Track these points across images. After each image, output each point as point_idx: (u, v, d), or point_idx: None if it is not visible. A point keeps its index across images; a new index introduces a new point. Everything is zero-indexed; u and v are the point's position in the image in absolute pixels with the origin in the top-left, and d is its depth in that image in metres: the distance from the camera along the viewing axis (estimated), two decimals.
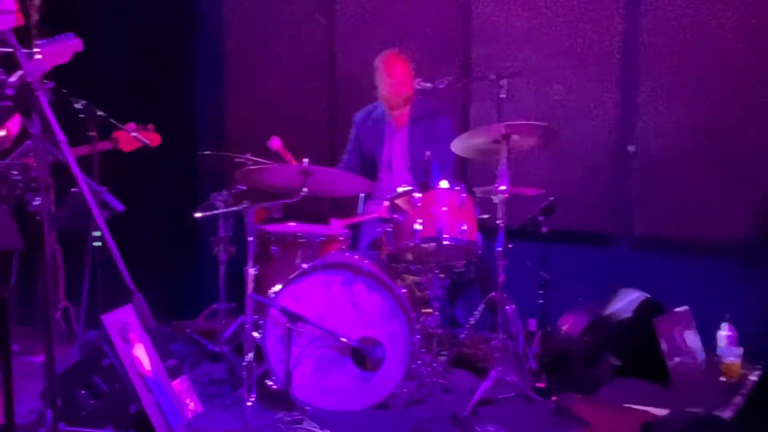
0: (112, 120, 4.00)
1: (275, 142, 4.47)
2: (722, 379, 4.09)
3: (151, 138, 4.28)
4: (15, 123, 2.99)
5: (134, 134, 4.16)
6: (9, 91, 2.00)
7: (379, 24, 5.19)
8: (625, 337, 4.12)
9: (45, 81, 2.18)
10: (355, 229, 4.52)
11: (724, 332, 4.21)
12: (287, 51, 5.42)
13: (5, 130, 2.84)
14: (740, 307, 4.31)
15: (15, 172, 2.30)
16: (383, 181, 4.59)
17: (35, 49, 2.61)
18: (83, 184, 2.09)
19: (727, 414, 3.33)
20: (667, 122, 4.62)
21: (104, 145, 4.12)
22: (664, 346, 4.03)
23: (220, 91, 5.62)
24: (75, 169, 2.11)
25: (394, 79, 4.52)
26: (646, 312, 4.13)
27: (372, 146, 4.65)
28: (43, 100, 2.06)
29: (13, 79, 2.01)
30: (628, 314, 4.16)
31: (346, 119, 4.88)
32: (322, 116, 5.40)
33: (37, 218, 2.11)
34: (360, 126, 4.73)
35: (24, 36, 2.15)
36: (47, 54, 2.67)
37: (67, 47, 2.82)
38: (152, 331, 3.30)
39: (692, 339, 4.18)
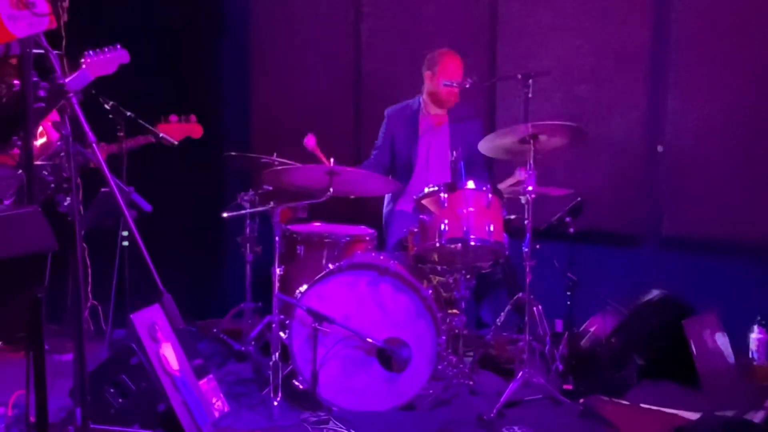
0: (140, 120, 4.03)
1: (310, 141, 4.43)
2: (753, 382, 4.03)
3: (193, 129, 4.28)
4: (53, 129, 3.02)
5: (162, 135, 4.18)
6: (42, 93, 2.02)
7: (404, 23, 5.18)
8: (654, 339, 4.08)
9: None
10: (381, 229, 4.52)
11: (754, 335, 4.15)
12: (313, 51, 5.42)
13: (45, 137, 2.86)
14: None
15: (46, 173, 2.32)
16: (418, 178, 4.56)
17: (81, 60, 2.65)
18: (113, 184, 2.10)
19: (758, 418, 3.29)
20: (697, 121, 4.56)
21: (146, 139, 4.14)
22: (693, 348, 3.98)
23: (246, 91, 5.65)
24: (105, 170, 2.12)
25: (454, 76, 4.42)
26: (675, 314, 4.08)
27: (407, 143, 4.60)
28: (74, 102, 2.08)
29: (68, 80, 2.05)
30: (657, 316, 4.12)
31: (371, 119, 4.87)
32: (347, 116, 5.40)
33: (69, 218, 2.12)
34: (393, 121, 4.67)
35: (55, 38, 2.17)
36: (92, 65, 2.70)
37: (113, 58, 2.86)
38: (179, 330, 3.32)
39: (722, 341, 4.12)
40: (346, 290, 3.64)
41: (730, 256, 4.51)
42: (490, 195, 3.75)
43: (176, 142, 4.22)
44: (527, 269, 3.75)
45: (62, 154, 2.26)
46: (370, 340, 3.57)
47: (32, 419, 2.25)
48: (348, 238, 4.05)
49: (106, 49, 2.94)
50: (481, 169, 4.47)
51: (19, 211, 1.83)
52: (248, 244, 4.40)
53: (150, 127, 4.14)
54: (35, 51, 1.96)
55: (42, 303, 1.90)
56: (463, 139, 4.41)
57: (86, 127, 2.10)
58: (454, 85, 4.31)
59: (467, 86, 4.27)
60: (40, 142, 2.53)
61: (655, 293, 4.28)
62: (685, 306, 4.16)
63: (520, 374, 3.65)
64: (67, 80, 2.08)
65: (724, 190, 4.51)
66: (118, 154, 3.94)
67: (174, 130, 4.19)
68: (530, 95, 3.94)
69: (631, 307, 4.22)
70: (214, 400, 3.40)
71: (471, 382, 3.83)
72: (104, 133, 3.48)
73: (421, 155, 4.59)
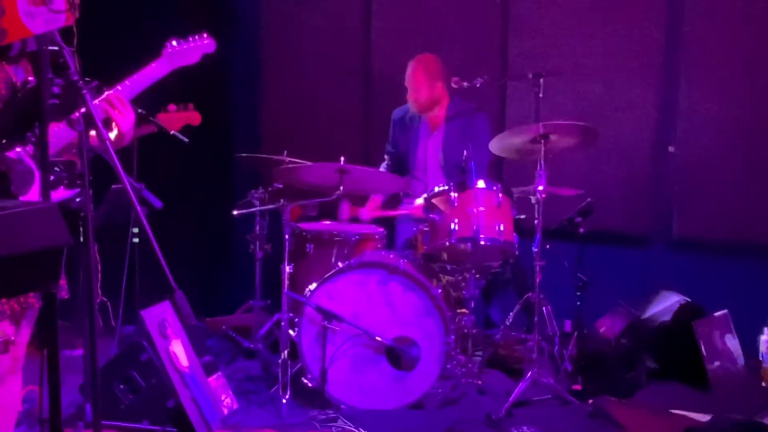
0: (150, 118, 4.03)
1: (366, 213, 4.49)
2: (763, 384, 4.01)
3: (192, 117, 4.26)
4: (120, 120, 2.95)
5: (173, 133, 4.17)
6: (56, 90, 2.03)
7: (414, 22, 5.17)
8: (664, 340, 4.07)
9: (89, 79, 2.20)
10: (391, 227, 4.51)
11: (765, 336, 4.13)
12: (322, 50, 5.42)
13: (116, 130, 2.75)
14: None
15: (58, 169, 2.32)
16: (418, 180, 4.56)
17: (167, 50, 2.62)
18: (125, 181, 2.10)
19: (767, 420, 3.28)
20: (708, 122, 4.54)
21: (149, 129, 4.12)
22: (703, 349, 3.96)
23: (256, 90, 5.65)
24: (118, 166, 2.12)
25: (410, 86, 4.50)
26: (685, 315, 4.07)
27: (406, 145, 4.62)
28: (88, 98, 2.08)
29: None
30: (667, 317, 4.11)
31: (380, 118, 4.87)
32: (356, 115, 5.40)
33: (82, 214, 2.12)
34: (396, 124, 4.71)
35: (67, 35, 2.17)
36: (173, 55, 2.64)
37: (196, 48, 2.81)
38: (189, 327, 3.33)
39: (732, 343, 4.11)
40: (356, 288, 3.64)
41: (741, 258, 4.49)
42: (500, 194, 3.74)
43: (186, 140, 4.21)
44: (537, 269, 3.75)
45: (74, 150, 2.27)
46: (379, 338, 3.57)
47: (44, 415, 2.26)
48: (358, 237, 4.05)
49: (190, 39, 2.88)
50: (483, 166, 4.37)
51: (35, 206, 1.84)
52: (258, 242, 4.41)
53: (154, 120, 4.13)
54: (51, 48, 1.97)
55: (56, 299, 1.90)
56: (463, 136, 4.37)
57: (99, 124, 2.10)
58: (465, 85, 4.28)
59: (477, 85, 4.25)
60: (111, 135, 2.43)
61: (665, 294, 4.28)
62: (696, 307, 4.15)
63: (528, 374, 3.64)
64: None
65: (735, 190, 4.50)
66: (128, 148, 3.93)
67: (173, 119, 4.17)
68: (541, 95, 3.94)
69: (641, 309, 4.21)
70: (223, 397, 3.41)
71: (479, 382, 3.83)
72: None
73: (419, 158, 4.59)
